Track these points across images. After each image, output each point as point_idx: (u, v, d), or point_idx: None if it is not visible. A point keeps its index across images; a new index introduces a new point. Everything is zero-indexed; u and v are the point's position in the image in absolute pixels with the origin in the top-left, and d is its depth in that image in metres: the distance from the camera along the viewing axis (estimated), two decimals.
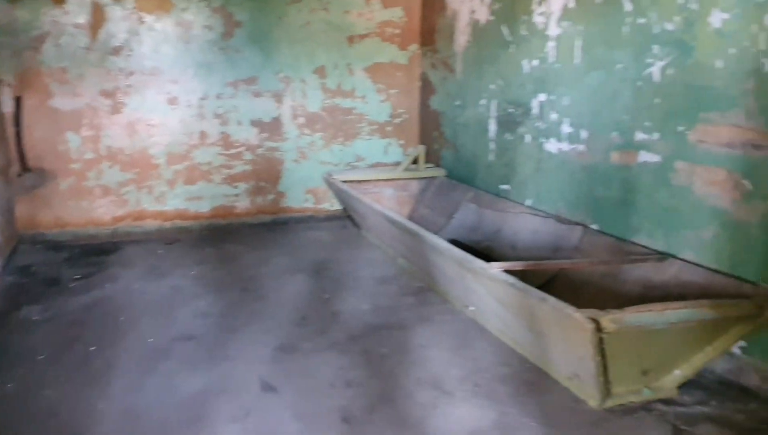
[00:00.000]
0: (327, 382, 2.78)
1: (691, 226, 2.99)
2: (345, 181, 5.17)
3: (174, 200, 5.26)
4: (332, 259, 4.50)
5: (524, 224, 4.02)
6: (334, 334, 3.25)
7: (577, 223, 3.70)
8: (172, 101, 5.10)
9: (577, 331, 2.34)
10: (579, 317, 2.26)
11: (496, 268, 2.84)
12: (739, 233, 2.75)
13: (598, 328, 2.25)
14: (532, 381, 2.79)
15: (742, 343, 2.71)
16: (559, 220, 3.82)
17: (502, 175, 4.54)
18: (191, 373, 2.85)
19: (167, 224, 5.26)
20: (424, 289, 3.87)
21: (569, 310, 2.32)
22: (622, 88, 3.37)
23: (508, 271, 2.83)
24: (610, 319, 2.26)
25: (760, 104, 2.60)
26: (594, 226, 3.62)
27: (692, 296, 2.80)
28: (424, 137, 5.79)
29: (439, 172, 5.37)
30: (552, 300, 2.43)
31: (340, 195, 5.26)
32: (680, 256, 3.04)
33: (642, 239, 3.28)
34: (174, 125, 5.15)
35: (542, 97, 4.05)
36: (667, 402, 2.60)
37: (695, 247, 2.96)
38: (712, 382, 2.75)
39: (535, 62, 4.08)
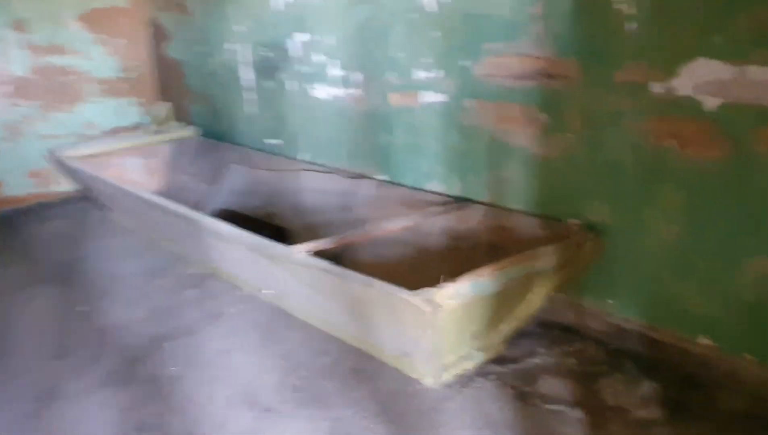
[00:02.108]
0: (111, 432, 2.18)
1: (488, 168, 2.82)
2: (78, 158, 4.29)
3: None
4: (81, 256, 3.71)
5: (306, 183, 3.62)
6: (107, 360, 2.61)
7: (365, 176, 3.39)
8: None
9: (411, 314, 2.04)
10: (416, 301, 1.95)
11: (301, 251, 2.41)
12: (540, 170, 2.62)
13: (435, 308, 1.96)
14: (357, 368, 2.46)
15: None
16: (345, 174, 3.48)
17: (269, 128, 4.06)
18: None
19: None
20: (205, 276, 3.32)
21: (402, 293, 2.00)
22: (394, 23, 3.05)
23: (316, 253, 2.43)
24: (445, 296, 1.99)
25: (549, 30, 2.44)
26: (383, 177, 3.34)
27: (503, 241, 2.66)
28: (167, 92, 5.04)
29: (193, 132, 4.72)
30: (379, 284, 2.09)
31: (74, 175, 4.37)
32: (480, 199, 2.88)
33: (436, 186, 3.07)
34: None
35: (303, 37, 3.60)
36: (499, 361, 2.44)
37: (495, 189, 2.81)
38: (533, 326, 2.65)
39: None
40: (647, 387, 2.23)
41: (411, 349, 2.27)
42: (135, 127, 4.97)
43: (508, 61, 2.62)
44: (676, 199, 2.22)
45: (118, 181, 3.97)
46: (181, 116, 4.93)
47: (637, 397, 2.18)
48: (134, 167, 4.62)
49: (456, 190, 2.98)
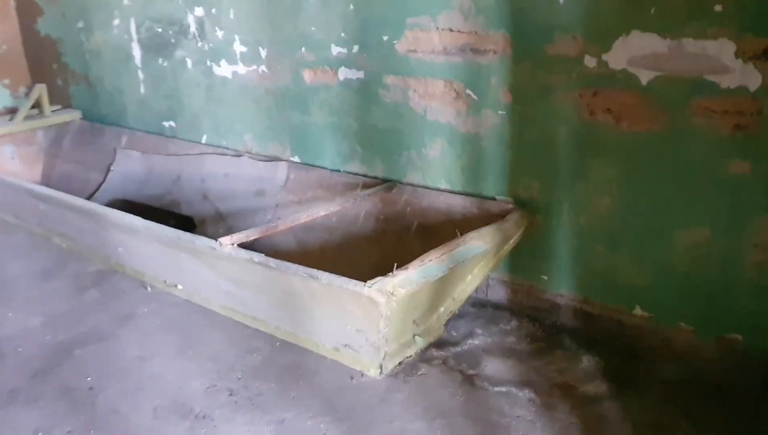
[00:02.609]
0: None
1: (413, 147, 2.73)
2: None
3: None
4: None
5: (212, 167, 3.39)
6: (7, 376, 2.31)
7: (278, 159, 3.21)
8: None
9: (360, 305, 1.93)
10: (368, 292, 1.84)
11: (228, 244, 2.22)
12: (468, 148, 2.57)
13: (389, 298, 1.86)
14: (292, 364, 2.31)
15: None
16: (254, 156, 3.28)
17: (163, 109, 3.76)
18: None
19: None
20: (105, 273, 3.03)
21: (352, 285, 1.87)
22: None
23: (242, 244, 2.25)
24: (398, 285, 1.89)
25: (476, 3, 2.37)
26: (296, 159, 3.18)
27: (434, 222, 2.59)
28: (39, 72, 4.56)
29: (73, 115, 4.31)
30: (325, 276, 1.95)
31: None
32: (405, 180, 2.79)
33: (357, 167, 2.95)
34: None
35: (199, 11, 3.34)
36: (439, 345, 2.37)
37: (421, 169, 2.73)
38: (466, 306, 2.61)
39: None
40: (588, 361, 2.24)
41: (354, 341, 2.16)
42: (4, 112, 4.48)
43: (432, 35, 2.53)
44: (609, 172, 2.23)
45: None
46: (58, 99, 4.48)
47: (580, 372, 2.19)
48: (7, 156, 4.17)
49: (379, 172, 2.88)
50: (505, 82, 2.39)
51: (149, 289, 2.85)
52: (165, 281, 2.81)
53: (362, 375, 2.23)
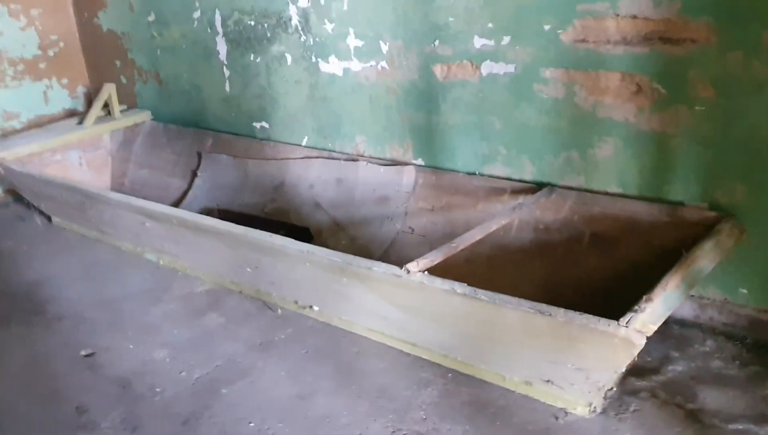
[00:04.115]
0: None
1: (574, 146, 2.45)
2: (8, 157, 3.47)
3: None
4: (44, 278, 3.00)
5: (321, 172, 3.09)
6: (157, 426, 2.03)
7: (399, 162, 2.91)
8: None
9: (603, 345, 1.65)
10: (626, 333, 1.56)
11: (416, 270, 1.92)
12: (650, 147, 2.28)
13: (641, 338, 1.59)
14: (476, 400, 2.04)
15: None
16: (372, 160, 2.98)
17: (254, 109, 3.46)
18: None
19: None
20: (218, 292, 2.75)
21: (602, 324, 1.59)
22: None
23: (430, 270, 1.96)
24: (648, 321, 1.61)
25: None
26: (419, 162, 2.89)
27: (611, 232, 2.32)
28: (98, 70, 4.25)
29: (143, 116, 3.99)
30: (561, 313, 1.64)
31: (5, 178, 3.58)
32: (562, 183, 2.51)
33: (500, 170, 2.67)
34: None
35: (303, 2, 3.03)
36: (637, 373, 2.10)
37: (585, 171, 2.45)
38: None
39: None
40: None
41: (562, 377, 1.88)
42: (64, 115, 4.17)
43: (608, 24, 2.24)
44: None
45: (78, 182, 3.28)
46: (122, 98, 4.17)
47: None
48: (75, 162, 3.86)
49: (527, 174, 2.59)
50: (707, 75, 2.10)
51: (279, 311, 2.57)
52: (297, 302, 2.53)
53: (567, 412, 1.95)
